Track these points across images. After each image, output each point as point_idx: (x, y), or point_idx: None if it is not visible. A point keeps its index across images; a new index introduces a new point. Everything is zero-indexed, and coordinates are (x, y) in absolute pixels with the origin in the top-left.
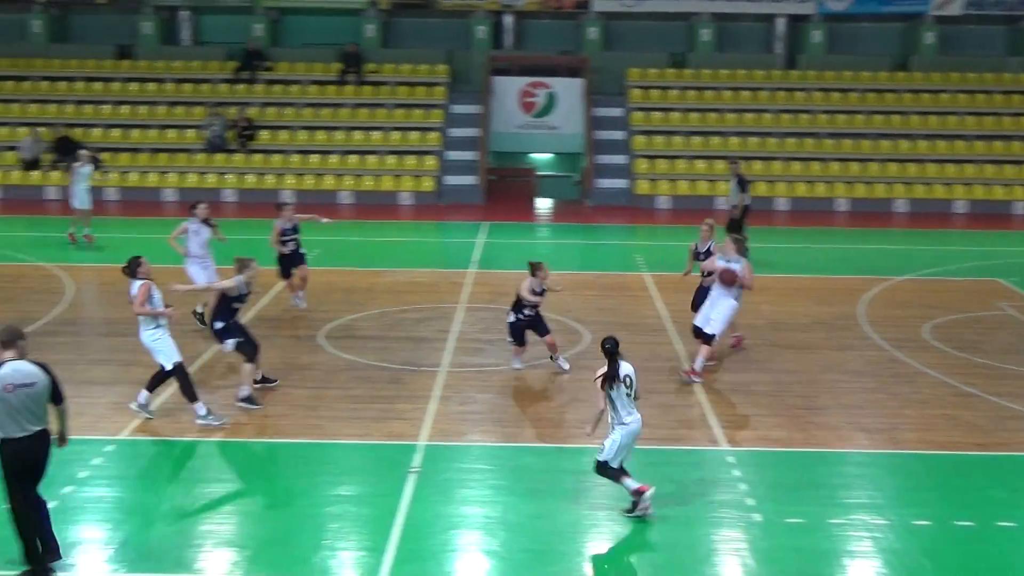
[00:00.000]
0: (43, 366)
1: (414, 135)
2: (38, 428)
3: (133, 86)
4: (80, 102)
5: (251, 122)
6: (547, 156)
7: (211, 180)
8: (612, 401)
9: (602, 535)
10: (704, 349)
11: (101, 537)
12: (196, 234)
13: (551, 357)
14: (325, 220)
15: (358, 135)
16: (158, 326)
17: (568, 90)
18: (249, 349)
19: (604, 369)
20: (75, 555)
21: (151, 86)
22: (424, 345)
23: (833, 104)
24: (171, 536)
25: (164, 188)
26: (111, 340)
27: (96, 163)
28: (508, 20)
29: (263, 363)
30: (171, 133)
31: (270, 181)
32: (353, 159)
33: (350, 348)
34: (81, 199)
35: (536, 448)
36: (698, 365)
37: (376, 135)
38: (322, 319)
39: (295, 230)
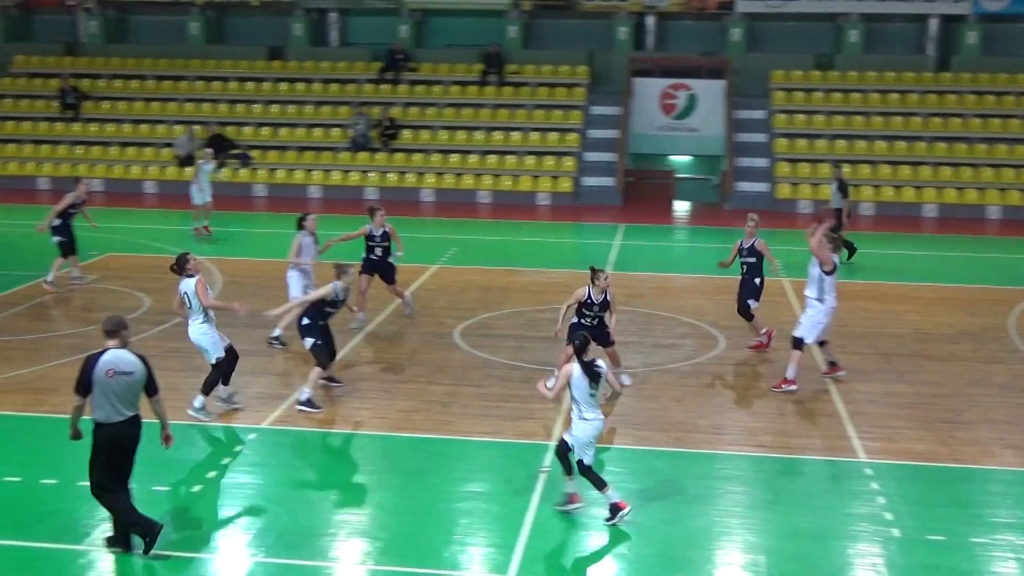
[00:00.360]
0: (142, 357)
1: (553, 136)
2: (131, 414)
3: (283, 86)
4: (233, 101)
5: (394, 121)
6: (686, 158)
7: (354, 178)
8: (575, 397)
9: (732, 543)
10: (795, 355)
11: (241, 522)
12: (308, 248)
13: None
14: (399, 254)
15: (498, 135)
16: (207, 320)
17: (709, 92)
18: (324, 356)
19: (578, 369)
20: (216, 539)
21: (300, 86)
22: (558, 345)
23: (987, 108)
24: (307, 524)
25: (309, 185)
26: (258, 331)
27: (245, 160)
28: (650, 21)
29: (388, 359)
30: (317, 132)
31: (410, 180)
32: (492, 159)
33: (485, 346)
34: (201, 195)
35: (667, 452)
36: (790, 373)
37: (515, 135)
38: (458, 317)
39: (385, 237)
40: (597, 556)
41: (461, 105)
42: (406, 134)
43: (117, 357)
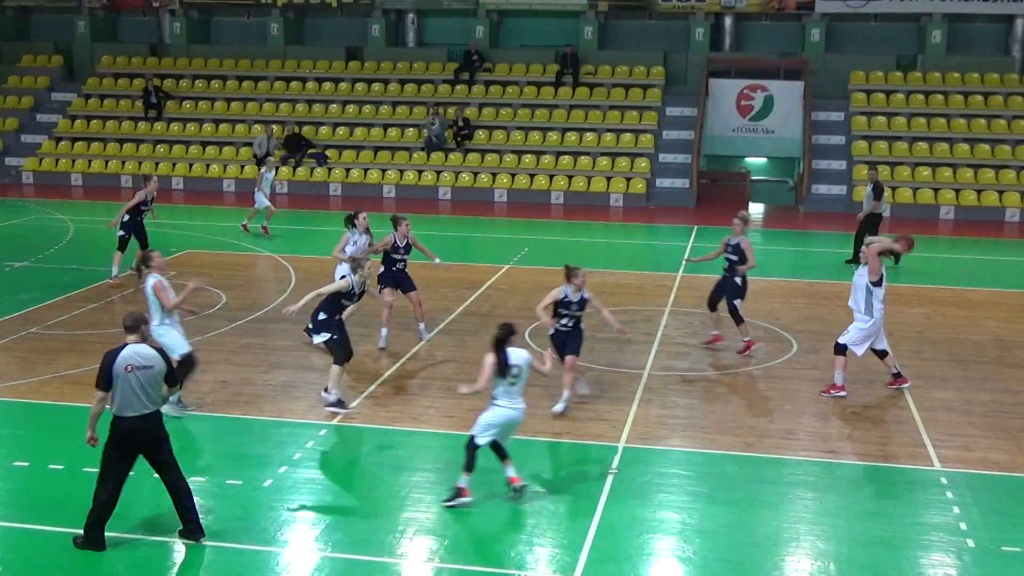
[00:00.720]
0: (161, 351)
1: (627, 137)
2: (151, 410)
3: (360, 86)
4: (310, 101)
5: (468, 122)
6: (761, 161)
7: (428, 178)
8: (494, 384)
9: (802, 549)
10: (839, 360)
11: (310, 517)
12: (355, 244)
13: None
14: (437, 261)
15: (572, 136)
16: (166, 321)
17: (786, 93)
18: (340, 351)
19: (492, 358)
20: (285, 533)
21: (376, 86)
22: (628, 347)
23: None
24: (375, 521)
25: (384, 185)
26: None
27: (321, 159)
28: (727, 21)
29: (459, 357)
30: (393, 132)
31: (484, 180)
32: (566, 160)
33: None
34: (260, 199)
35: (737, 456)
36: (838, 380)
37: (590, 136)
38: (528, 317)
39: (407, 249)
40: (664, 559)
41: (536, 106)
42: (480, 134)
43: (136, 352)
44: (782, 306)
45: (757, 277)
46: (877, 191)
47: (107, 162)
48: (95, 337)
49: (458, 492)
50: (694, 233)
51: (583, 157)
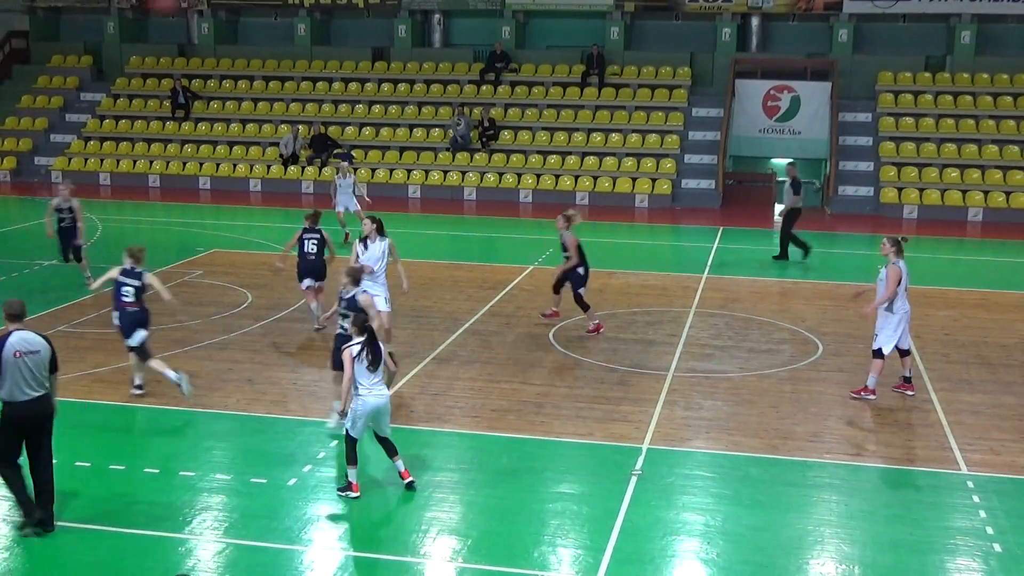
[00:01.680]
0: (46, 337)
1: (653, 138)
2: (39, 393)
3: (386, 86)
4: (337, 102)
5: (494, 122)
6: (787, 161)
7: (453, 179)
8: (356, 374)
9: (827, 552)
10: (876, 364)
11: (333, 515)
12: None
13: None
14: (279, 264)
15: (597, 137)
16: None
17: (814, 94)
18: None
19: (357, 344)
20: (310, 530)
21: (402, 87)
22: (653, 348)
23: None
24: (398, 521)
25: (409, 185)
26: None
27: (347, 159)
28: (754, 22)
29: (483, 358)
30: (418, 132)
31: (509, 181)
32: (591, 160)
33: (579, 348)
34: (343, 203)
35: (761, 459)
36: (871, 383)
37: (615, 137)
38: (553, 318)
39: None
40: (687, 561)
41: (561, 106)
42: (506, 135)
43: (21, 339)
44: (808, 308)
45: (783, 279)
46: (795, 186)
47: (135, 162)
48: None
49: (351, 486)
50: (719, 234)
51: (608, 158)
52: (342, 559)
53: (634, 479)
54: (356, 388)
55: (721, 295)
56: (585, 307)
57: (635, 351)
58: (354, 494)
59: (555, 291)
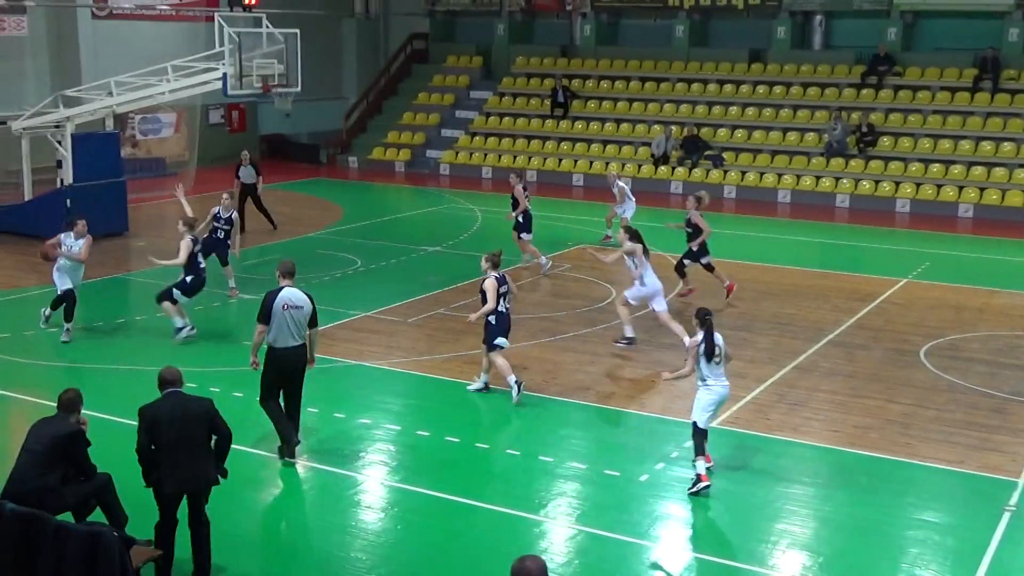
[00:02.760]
0: (309, 296)
1: None
2: (298, 343)
3: (761, 89)
4: (711, 103)
5: (873, 128)
6: None
7: (826, 184)
8: (699, 366)
9: None
10: None
11: (682, 516)
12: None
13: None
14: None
15: (987, 146)
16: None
17: None
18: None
19: (700, 338)
20: (657, 527)
21: (778, 89)
22: None
23: None
24: (747, 528)
25: (779, 189)
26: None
27: (718, 161)
28: None
29: (847, 371)
30: (792, 136)
31: (886, 189)
32: (978, 171)
33: (952, 369)
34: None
35: None
36: None
37: (1007, 147)
38: (925, 335)
39: (228, 221)
40: None
41: (948, 112)
42: (885, 141)
43: (291, 293)
44: None
45: None
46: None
47: (515, 157)
48: None
49: (699, 477)
50: None
51: (998, 168)
52: (689, 559)
53: (1007, 515)
54: (703, 380)
55: None
56: (711, 269)
57: (1017, 378)
58: (703, 484)
59: (680, 273)
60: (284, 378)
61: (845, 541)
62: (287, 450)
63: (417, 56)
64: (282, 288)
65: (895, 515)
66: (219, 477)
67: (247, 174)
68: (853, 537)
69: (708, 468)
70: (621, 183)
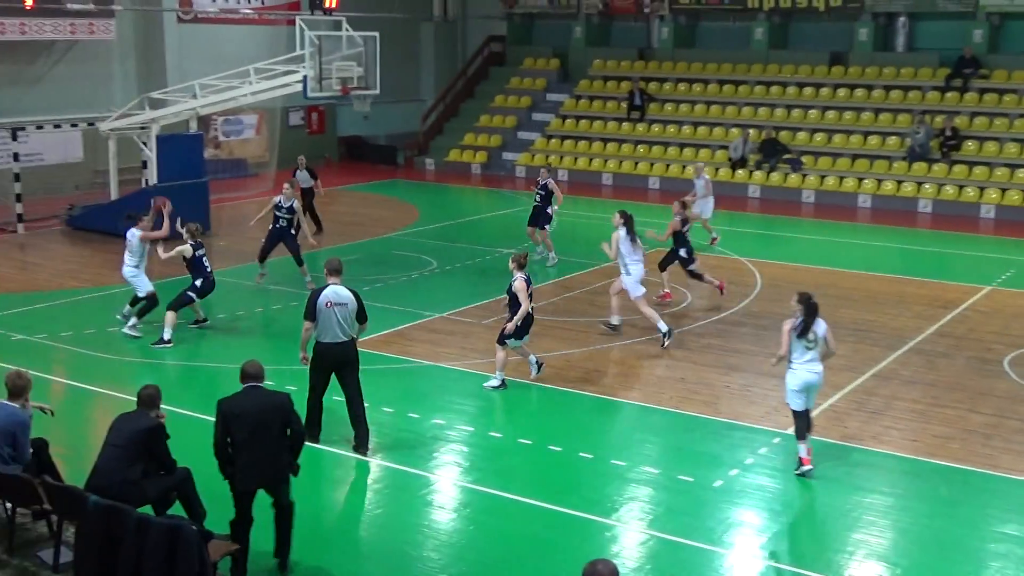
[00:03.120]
0: (354, 292)
1: None
2: (344, 339)
3: (842, 92)
4: (790, 106)
5: (957, 131)
6: None
7: (907, 189)
8: (792, 348)
9: None
10: None
11: (757, 523)
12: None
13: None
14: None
15: None
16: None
17: None
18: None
19: (796, 320)
20: (731, 534)
21: (859, 92)
22: None
23: None
24: (822, 538)
25: (860, 194)
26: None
27: (796, 165)
28: None
29: (927, 379)
30: (873, 139)
31: (970, 194)
32: None
33: None
34: (703, 209)
35: None
36: None
37: None
38: (1009, 344)
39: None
40: None
41: None
42: (969, 145)
43: (334, 292)
44: None
45: None
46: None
47: (591, 160)
48: (570, 324)
49: (801, 460)
50: None
51: None
52: (762, 568)
53: None
54: (790, 363)
55: None
56: (700, 277)
57: None
58: (806, 467)
59: (662, 269)
60: (327, 372)
61: (923, 553)
62: (313, 436)
63: (494, 59)
64: (327, 286)
65: (976, 528)
66: (291, 474)
67: (303, 178)
68: (932, 549)
69: (807, 470)
70: (707, 176)
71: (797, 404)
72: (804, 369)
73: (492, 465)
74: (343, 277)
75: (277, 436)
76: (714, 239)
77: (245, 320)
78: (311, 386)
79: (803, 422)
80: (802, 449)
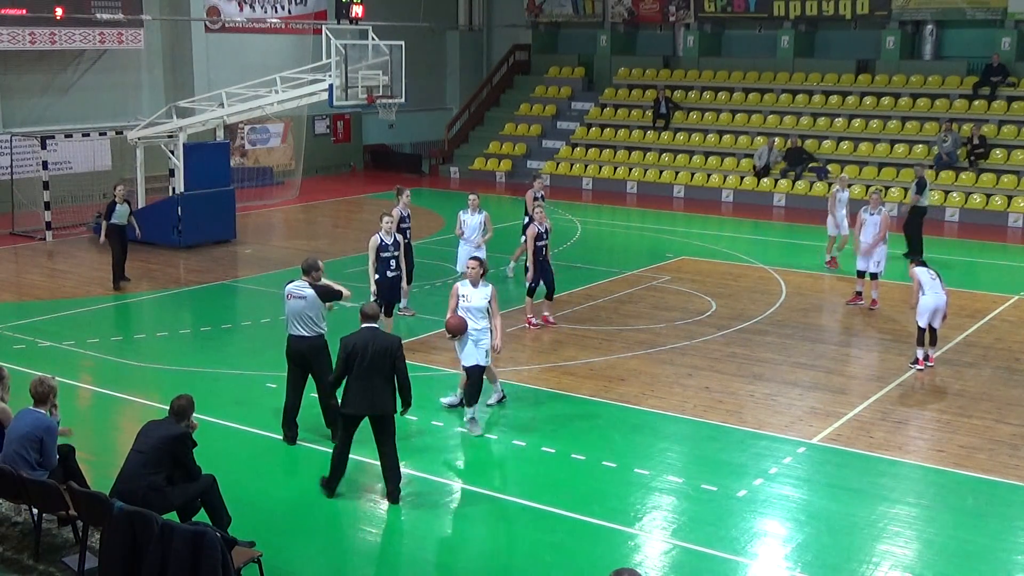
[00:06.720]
0: (314, 287)
1: None
2: (304, 334)
3: (868, 100)
4: (816, 115)
5: (985, 140)
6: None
7: (935, 198)
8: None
9: None
10: None
11: (781, 533)
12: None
13: None
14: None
15: None
16: None
17: None
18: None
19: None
20: (755, 544)
21: (886, 100)
22: None
23: None
24: (847, 548)
25: (886, 202)
26: (817, 346)
27: (822, 173)
28: None
29: (954, 390)
30: (900, 148)
31: (997, 203)
32: None
33: None
34: (841, 225)
35: None
36: None
37: None
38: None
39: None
40: None
41: None
42: (997, 154)
43: (296, 286)
44: None
45: None
46: (920, 186)
47: (615, 168)
48: (594, 332)
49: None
50: None
51: None
52: None
53: None
54: (923, 292)
55: None
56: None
57: None
58: (919, 366)
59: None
60: (294, 365)
61: (950, 565)
62: (287, 436)
63: (519, 67)
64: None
65: (1003, 539)
66: (402, 409)
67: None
68: (958, 561)
69: (920, 367)
70: (847, 193)
71: (923, 322)
72: (933, 294)
73: (516, 474)
74: (315, 276)
75: (385, 372)
76: (830, 262)
77: (270, 327)
78: (286, 380)
79: (922, 334)
80: (921, 352)
